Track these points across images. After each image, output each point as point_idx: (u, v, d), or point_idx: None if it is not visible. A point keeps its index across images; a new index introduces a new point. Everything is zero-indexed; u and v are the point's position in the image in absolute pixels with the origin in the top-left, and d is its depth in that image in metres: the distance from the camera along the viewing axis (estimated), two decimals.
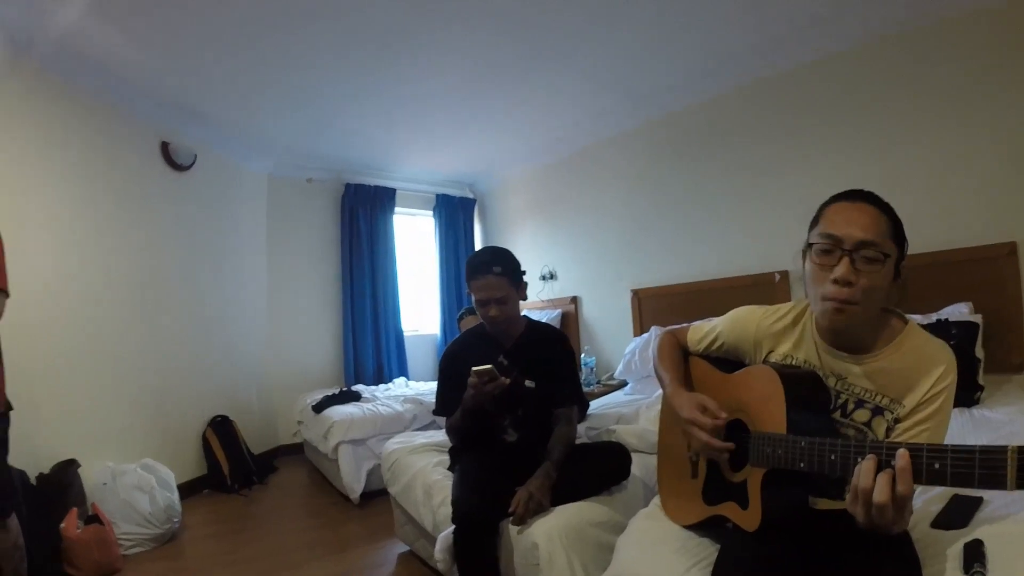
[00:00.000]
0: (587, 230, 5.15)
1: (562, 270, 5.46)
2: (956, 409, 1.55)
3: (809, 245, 1.26)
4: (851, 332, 1.27)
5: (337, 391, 4.81)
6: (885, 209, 1.22)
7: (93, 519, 3.03)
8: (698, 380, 1.62)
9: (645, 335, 4.18)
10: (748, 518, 1.28)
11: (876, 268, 1.17)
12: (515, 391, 2.25)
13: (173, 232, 4.33)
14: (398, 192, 6.11)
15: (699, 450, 1.43)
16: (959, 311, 2.64)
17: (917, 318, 2.55)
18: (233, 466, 4.39)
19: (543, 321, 2.67)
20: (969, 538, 1.23)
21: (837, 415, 1.31)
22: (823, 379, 1.32)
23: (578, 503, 2.03)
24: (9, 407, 2.32)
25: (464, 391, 2.18)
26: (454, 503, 2.06)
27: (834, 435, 1.22)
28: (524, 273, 2.39)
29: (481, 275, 2.26)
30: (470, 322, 3.01)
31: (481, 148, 5.47)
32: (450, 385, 2.37)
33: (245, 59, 3.47)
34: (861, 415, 1.28)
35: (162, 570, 3.01)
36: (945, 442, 1.12)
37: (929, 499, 1.49)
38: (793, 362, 1.40)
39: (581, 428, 2.57)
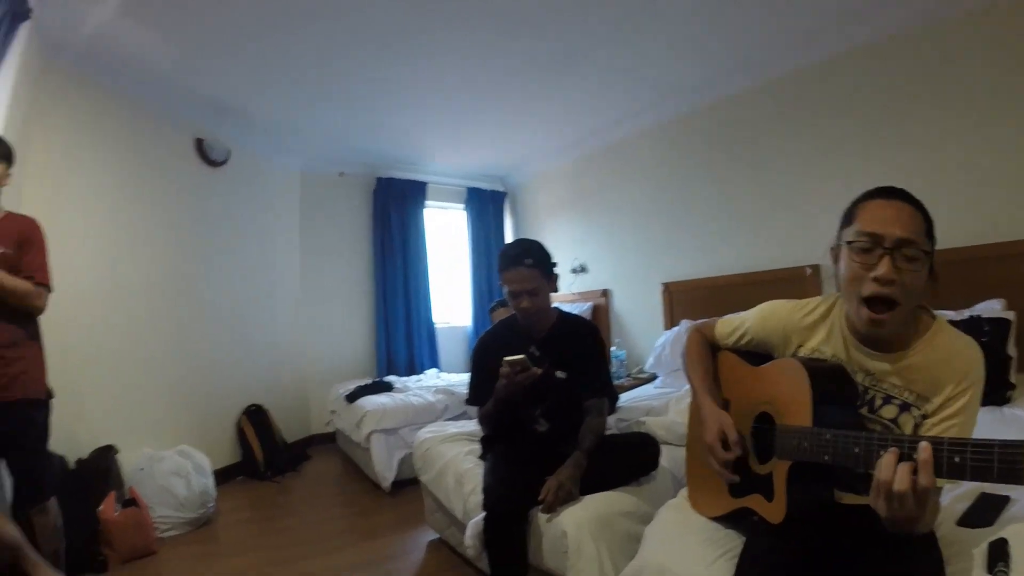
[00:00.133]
0: (618, 224, 5.15)
1: (593, 263, 5.47)
2: (987, 407, 1.54)
3: (848, 243, 1.24)
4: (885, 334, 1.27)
5: (370, 381, 4.90)
6: (919, 207, 1.22)
7: (130, 503, 3.13)
8: (726, 374, 1.64)
9: (675, 328, 4.17)
10: (773, 510, 1.29)
11: (916, 267, 1.17)
12: (546, 382, 2.29)
13: (208, 226, 4.46)
14: (429, 186, 6.17)
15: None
16: (992, 307, 2.58)
17: (949, 314, 2.51)
18: (267, 454, 4.50)
19: (574, 313, 2.70)
20: (994, 537, 1.23)
21: (864, 411, 1.31)
22: (851, 374, 1.33)
23: (607, 493, 2.07)
24: (50, 395, 2.44)
25: (496, 381, 2.21)
26: (485, 491, 2.11)
27: (860, 430, 1.22)
28: (555, 265, 2.41)
29: (513, 267, 2.29)
30: (502, 314, 3.04)
31: (512, 142, 5.50)
32: (482, 375, 2.41)
33: (277, 55, 3.53)
34: (888, 411, 1.28)
35: (196, 553, 3.11)
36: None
37: (956, 497, 1.48)
38: (822, 357, 1.40)
39: (611, 420, 2.60)
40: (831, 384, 1.30)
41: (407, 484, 3.84)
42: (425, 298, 6.03)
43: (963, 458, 0.91)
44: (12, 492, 2.50)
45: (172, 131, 4.16)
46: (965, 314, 2.54)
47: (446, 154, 5.79)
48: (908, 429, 1.25)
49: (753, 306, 1.63)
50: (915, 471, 0.96)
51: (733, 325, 1.64)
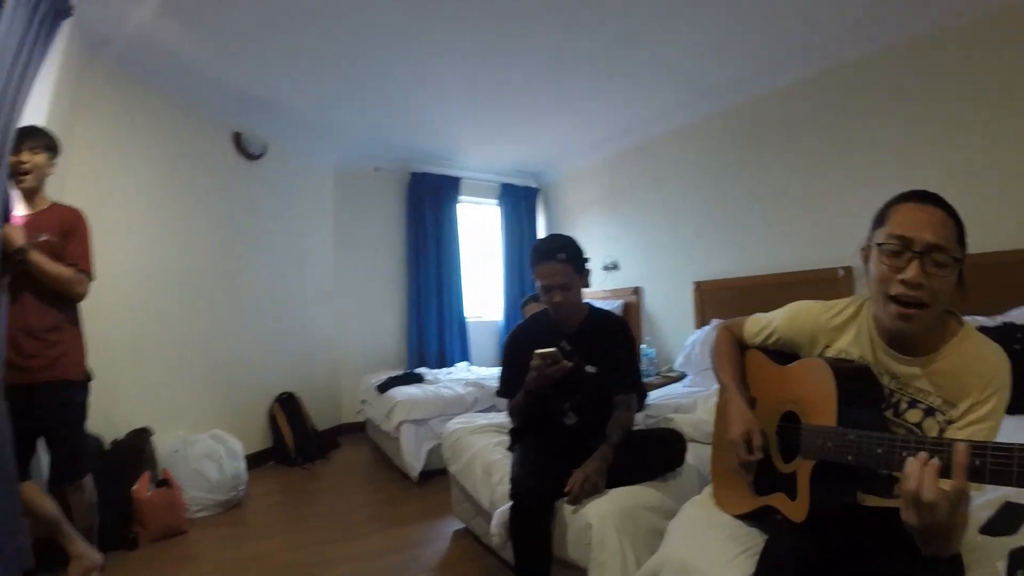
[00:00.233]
0: (650, 221, 5.14)
1: (625, 261, 5.47)
2: (1015, 416, 1.52)
3: (878, 245, 1.25)
4: (911, 333, 1.27)
5: (401, 373, 4.98)
6: (952, 213, 1.22)
7: (163, 483, 3.23)
8: (754, 372, 1.65)
9: (706, 328, 4.16)
10: (796, 509, 1.31)
11: (945, 273, 1.17)
12: (576, 375, 2.30)
13: (244, 218, 4.58)
14: (463, 181, 6.23)
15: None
16: None
17: (982, 320, 2.47)
18: (298, 441, 4.60)
19: (605, 308, 2.71)
20: (1016, 545, 1.23)
21: (889, 414, 1.32)
22: (877, 376, 1.33)
23: (632, 487, 2.08)
24: (89, 377, 2.55)
25: (527, 374, 2.24)
26: (513, 481, 2.14)
27: (884, 431, 1.22)
28: (587, 260, 2.42)
29: (546, 261, 2.31)
30: (533, 309, 3.07)
31: (545, 139, 5.52)
32: (513, 368, 2.43)
33: (314, 51, 3.59)
34: (913, 415, 1.28)
35: (225, 534, 3.20)
36: None
37: (980, 505, 1.47)
38: (848, 358, 1.40)
39: (639, 416, 2.60)
40: (857, 385, 1.30)
41: (435, 474, 3.90)
42: (457, 292, 6.10)
43: (983, 461, 0.91)
44: (49, 469, 2.62)
45: (211, 125, 4.29)
46: (998, 320, 2.49)
47: (480, 150, 5.84)
48: (932, 434, 1.25)
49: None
50: (943, 472, 0.95)
51: (761, 324, 1.65)
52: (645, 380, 3.77)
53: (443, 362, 5.84)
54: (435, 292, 5.95)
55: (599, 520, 1.93)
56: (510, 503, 2.11)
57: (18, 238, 2.21)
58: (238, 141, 4.50)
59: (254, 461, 4.23)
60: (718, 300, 4.33)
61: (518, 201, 6.58)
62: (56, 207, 2.49)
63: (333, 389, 5.52)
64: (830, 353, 1.45)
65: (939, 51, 3.07)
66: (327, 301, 5.53)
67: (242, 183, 4.56)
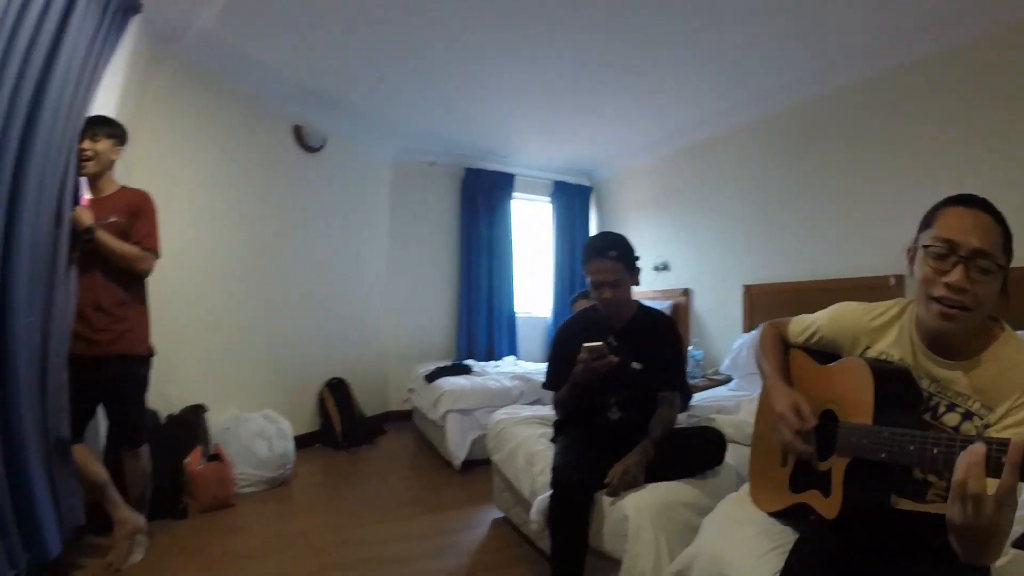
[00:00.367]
0: (702, 223, 5.10)
1: (676, 262, 5.44)
2: None
3: (925, 247, 1.25)
4: (953, 337, 1.26)
5: (449, 364, 5.07)
6: (1000, 219, 1.21)
7: (214, 458, 3.38)
8: (796, 371, 1.66)
9: (754, 331, 4.11)
10: (828, 506, 1.32)
11: (988, 279, 1.17)
12: (622, 371, 2.34)
13: (302, 208, 4.74)
14: (516, 178, 6.29)
15: (783, 446, 1.48)
16: None
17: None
18: (345, 425, 4.73)
19: (654, 307, 2.73)
20: None
21: (927, 417, 1.31)
22: (915, 378, 1.33)
23: (671, 482, 2.11)
24: (152, 352, 2.71)
25: (573, 367, 2.29)
26: (554, 470, 2.18)
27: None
28: (638, 259, 2.44)
29: (597, 258, 2.34)
30: (582, 305, 3.10)
31: (599, 138, 5.53)
32: (561, 361, 2.48)
33: (373, 46, 3.69)
34: (951, 419, 1.28)
35: (271, 510, 3.33)
36: None
37: (1018, 518, 1.46)
38: (888, 360, 1.40)
39: (681, 416, 2.62)
40: (896, 387, 1.31)
41: (477, 464, 3.96)
42: (508, 287, 6.17)
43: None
44: (107, 435, 2.79)
45: (272, 119, 4.46)
46: None
47: (534, 148, 5.89)
48: None
49: None
50: (994, 472, 0.92)
51: (805, 324, 1.67)
52: (691, 382, 3.77)
53: (491, 356, 5.92)
54: (486, 286, 6.03)
55: (636, 512, 1.96)
56: (550, 491, 2.15)
57: (86, 218, 2.37)
58: (298, 134, 4.66)
59: (302, 442, 4.36)
60: (767, 304, 4.27)
61: (571, 199, 6.61)
62: (125, 190, 2.65)
63: (382, 377, 5.65)
64: (871, 354, 1.45)
65: (995, 56, 2.97)
66: (380, 291, 5.67)
67: (301, 175, 4.72)
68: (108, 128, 2.56)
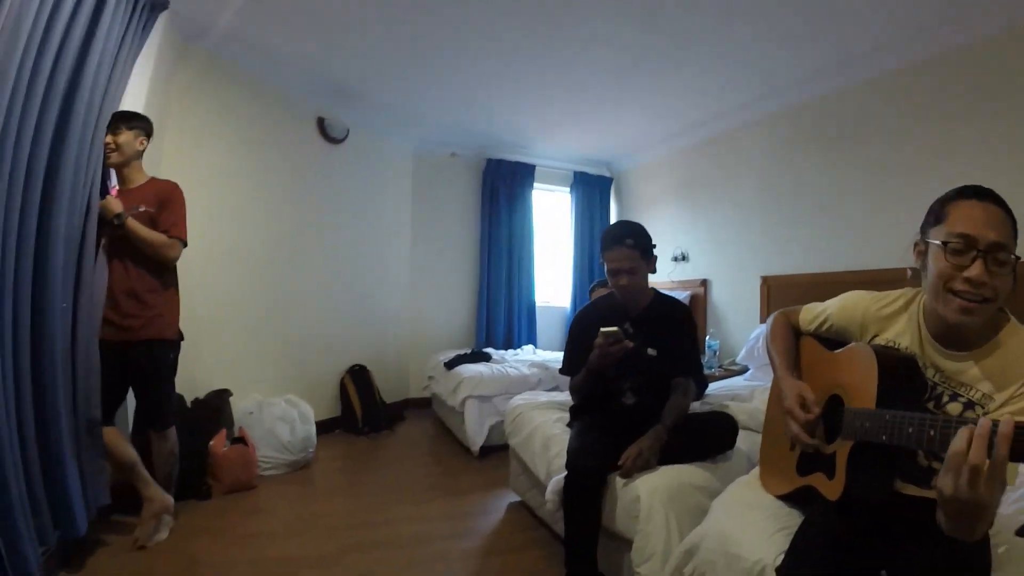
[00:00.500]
0: (721, 214, 5.11)
1: (694, 252, 5.46)
2: None
3: (943, 243, 1.24)
4: (967, 329, 1.27)
5: (468, 351, 5.14)
6: (1007, 210, 1.23)
7: (238, 441, 3.46)
8: (806, 358, 1.70)
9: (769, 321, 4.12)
10: (832, 487, 1.36)
11: (1005, 271, 1.19)
12: (637, 357, 2.38)
13: (326, 198, 4.82)
14: (537, 168, 6.32)
15: (791, 438, 1.50)
16: None
17: None
18: (365, 411, 4.80)
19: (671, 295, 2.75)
20: None
21: (930, 406, 1.34)
22: (920, 366, 1.36)
23: (682, 465, 2.16)
24: (181, 337, 2.81)
25: (590, 353, 2.33)
26: (569, 452, 2.24)
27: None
28: (655, 247, 2.47)
29: (615, 246, 2.38)
30: (600, 293, 3.15)
31: (619, 129, 5.54)
32: (578, 347, 2.52)
33: (395, 39, 3.73)
34: (953, 408, 1.30)
35: (293, 492, 3.42)
36: None
37: (1020, 509, 1.49)
38: (895, 348, 1.43)
39: (695, 404, 2.65)
40: (899, 374, 1.33)
41: (495, 450, 4.03)
42: (528, 276, 6.22)
43: (1020, 443, 0.91)
44: (135, 416, 2.88)
45: (296, 111, 4.53)
46: None
47: (554, 139, 5.91)
48: None
49: None
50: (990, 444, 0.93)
51: (815, 312, 1.70)
52: (707, 372, 3.80)
53: (510, 344, 5.98)
54: (506, 276, 6.08)
55: (648, 494, 2.01)
56: (565, 472, 2.21)
57: (115, 207, 2.47)
58: (321, 126, 4.73)
59: (323, 427, 4.45)
60: (785, 295, 4.27)
61: (591, 189, 6.62)
62: (154, 181, 2.74)
63: (402, 364, 5.73)
64: (879, 342, 1.47)
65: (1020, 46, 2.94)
66: (401, 280, 5.74)
67: (324, 165, 4.79)
68: (128, 122, 2.62)
